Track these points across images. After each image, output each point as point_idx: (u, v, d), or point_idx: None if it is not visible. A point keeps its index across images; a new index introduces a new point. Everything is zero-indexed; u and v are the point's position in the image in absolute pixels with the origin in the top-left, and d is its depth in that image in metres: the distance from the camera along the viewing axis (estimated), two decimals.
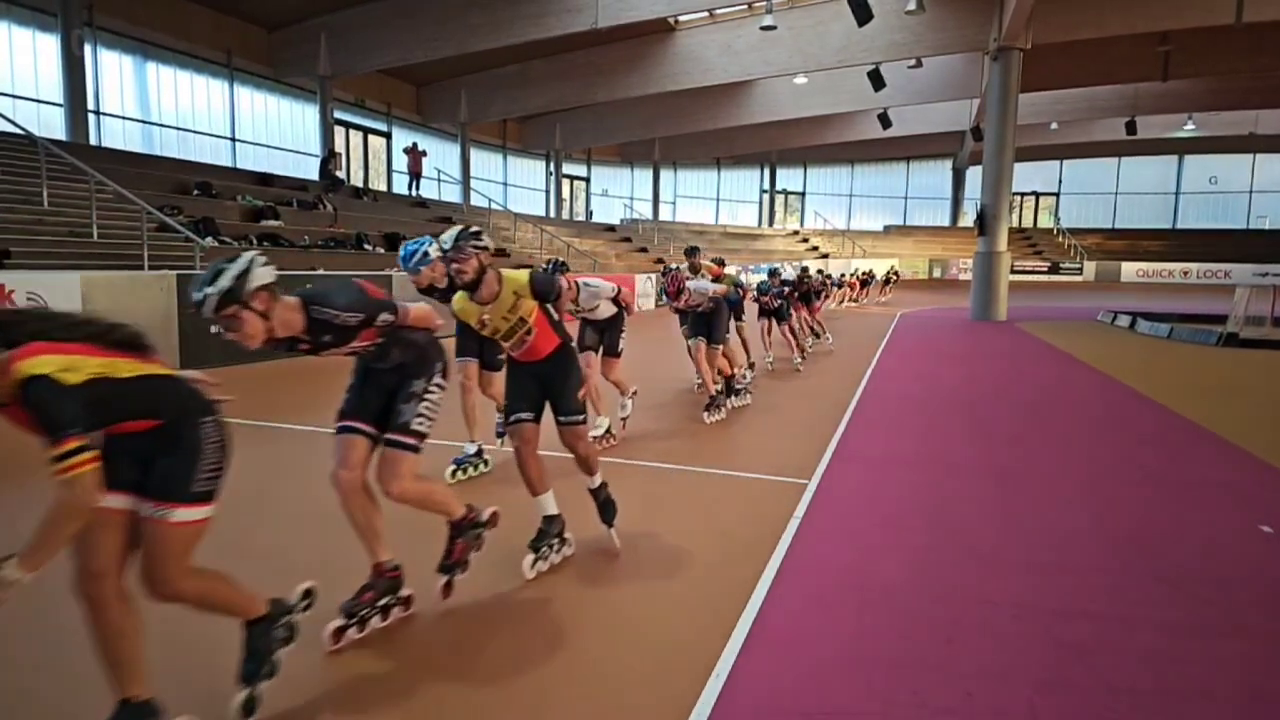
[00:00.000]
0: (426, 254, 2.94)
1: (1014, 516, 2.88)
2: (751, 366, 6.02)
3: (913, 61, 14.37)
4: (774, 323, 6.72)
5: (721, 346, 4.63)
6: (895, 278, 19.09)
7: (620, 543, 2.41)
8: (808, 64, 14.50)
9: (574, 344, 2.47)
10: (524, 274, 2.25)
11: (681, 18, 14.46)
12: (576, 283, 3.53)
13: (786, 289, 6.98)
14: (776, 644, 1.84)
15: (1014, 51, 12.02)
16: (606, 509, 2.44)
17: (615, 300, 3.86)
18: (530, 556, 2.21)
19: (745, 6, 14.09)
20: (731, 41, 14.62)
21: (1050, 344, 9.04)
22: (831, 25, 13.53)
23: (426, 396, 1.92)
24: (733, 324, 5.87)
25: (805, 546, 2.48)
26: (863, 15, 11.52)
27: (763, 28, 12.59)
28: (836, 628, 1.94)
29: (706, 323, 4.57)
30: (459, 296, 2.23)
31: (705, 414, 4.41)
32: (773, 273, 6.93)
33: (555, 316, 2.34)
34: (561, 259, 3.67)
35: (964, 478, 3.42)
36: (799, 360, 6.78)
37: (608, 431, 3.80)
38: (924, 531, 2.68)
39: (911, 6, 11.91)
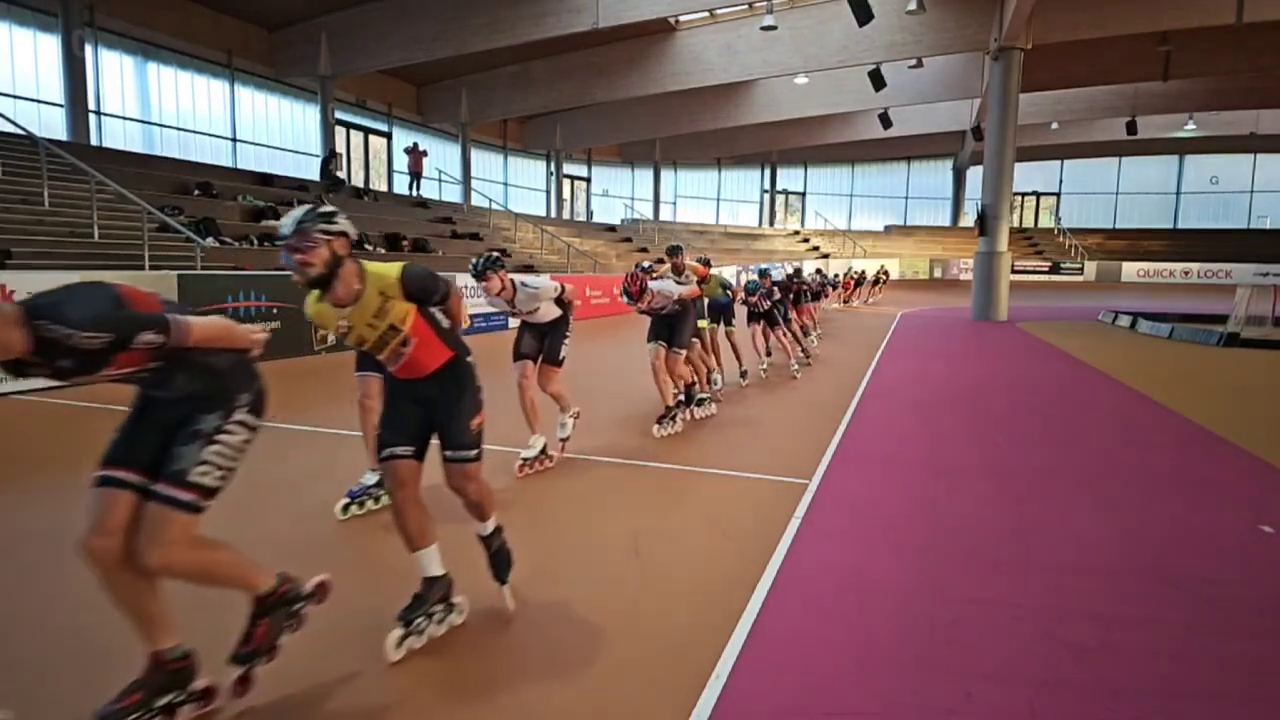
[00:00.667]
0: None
1: (1015, 517, 2.88)
2: (743, 374, 5.77)
3: (913, 61, 14.37)
4: (767, 327, 6.30)
5: (685, 352, 4.24)
6: (884, 278, 18.89)
7: (514, 603, 1.99)
8: (808, 64, 14.49)
9: (470, 357, 1.97)
10: (394, 269, 1.77)
11: (682, 18, 14.46)
12: (512, 281, 3.17)
13: (777, 290, 6.59)
14: (777, 644, 1.84)
15: (1014, 51, 12.02)
16: (499, 562, 2.02)
17: (560, 301, 3.44)
18: (397, 632, 1.74)
19: (746, 6, 14.09)
20: (732, 42, 14.62)
21: (1051, 344, 9.04)
22: (832, 25, 13.53)
23: (219, 438, 1.45)
24: (722, 330, 5.68)
25: (806, 547, 2.48)
26: (863, 15, 11.51)
27: (763, 28, 12.59)
28: (837, 628, 1.94)
29: (669, 326, 4.19)
30: (310, 298, 1.77)
31: (656, 427, 3.99)
32: (763, 273, 6.51)
33: (442, 323, 1.91)
34: (497, 253, 3.33)
35: (964, 478, 3.42)
36: (795, 367, 6.36)
37: (542, 453, 3.36)
38: (924, 532, 2.68)
39: (912, 6, 11.90)
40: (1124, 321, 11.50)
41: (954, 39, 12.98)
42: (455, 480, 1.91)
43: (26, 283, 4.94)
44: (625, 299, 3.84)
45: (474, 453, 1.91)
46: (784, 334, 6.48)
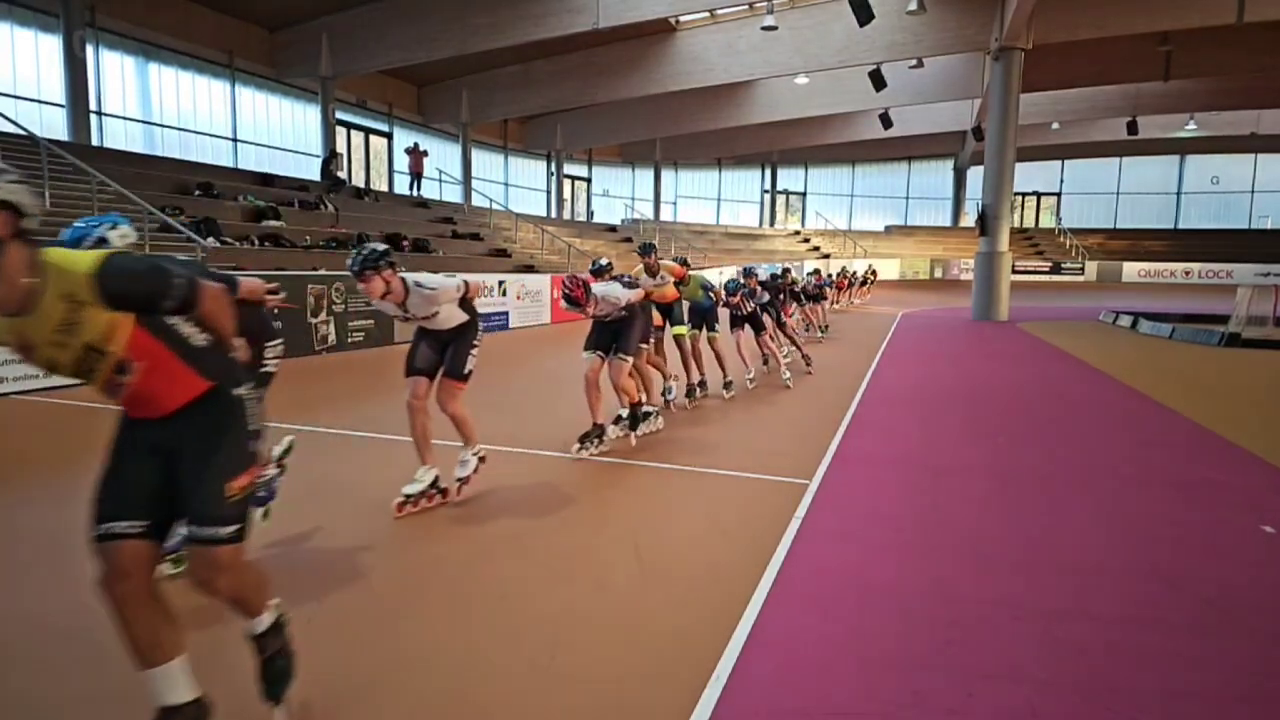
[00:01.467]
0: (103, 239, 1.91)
1: (1015, 517, 2.88)
2: (727, 385, 5.18)
3: (914, 61, 14.36)
4: (752, 333, 5.62)
5: (630, 360, 3.69)
6: (872, 278, 17.97)
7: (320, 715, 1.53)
8: (809, 64, 14.49)
9: (237, 391, 1.38)
10: (85, 260, 1.17)
11: (683, 18, 14.46)
12: (403, 281, 2.61)
13: (764, 291, 5.93)
14: (777, 644, 1.84)
15: (1015, 51, 12.01)
16: (273, 673, 1.46)
17: (465, 304, 2.84)
18: None
19: (746, 7, 14.09)
20: (733, 42, 14.62)
21: (1052, 344, 9.03)
22: (832, 25, 13.53)
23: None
24: (704, 336, 5.11)
25: (806, 547, 2.48)
26: (864, 15, 11.51)
27: (764, 28, 12.59)
28: (837, 628, 1.94)
29: (614, 334, 3.67)
30: None
31: (576, 446, 3.51)
32: (747, 272, 5.82)
33: (193, 340, 1.33)
34: (383, 247, 2.66)
35: (965, 478, 3.42)
36: (787, 376, 5.71)
37: (432, 486, 2.75)
38: (925, 532, 2.68)
39: (912, 7, 11.90)
40: (1125, 322, 11.49)
41: (954, 39, 12.98)
42: (199, 571, 1.32)
43: None
44: (566, 304, 3.45)
45: (228, 531, 1.30)
46: (770, 338, 5.94)
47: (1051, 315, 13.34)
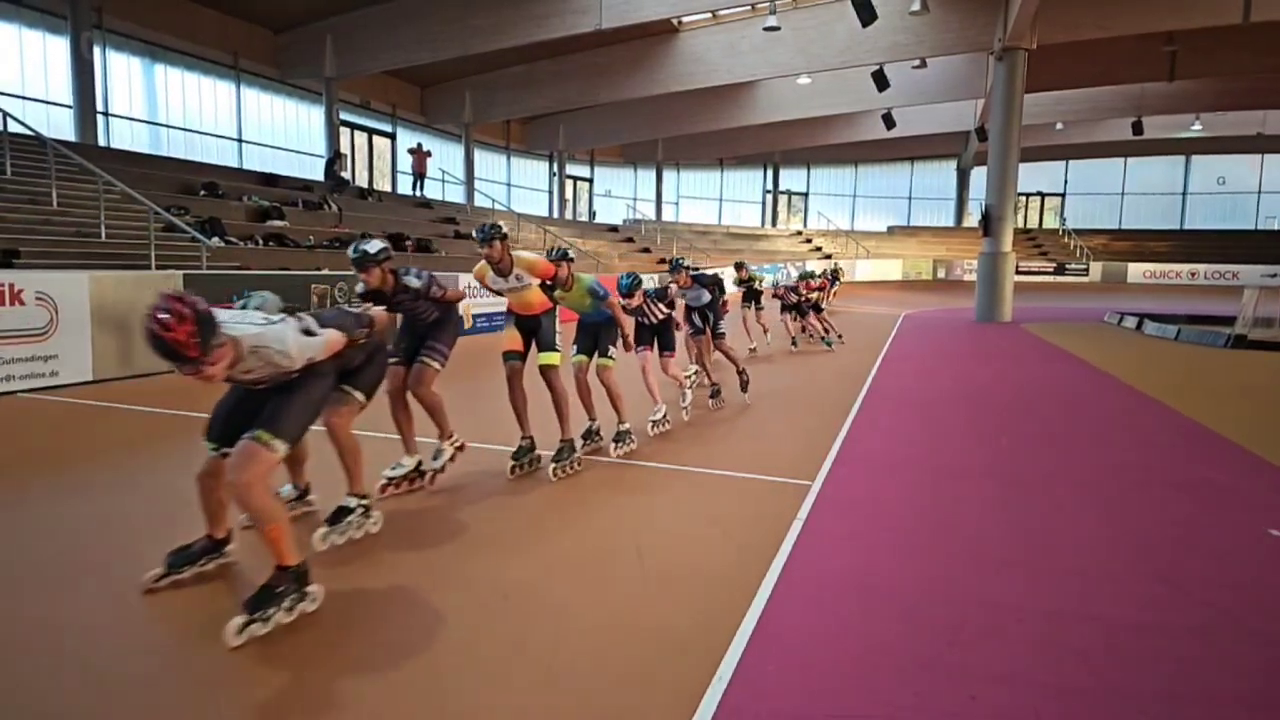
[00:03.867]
0: None
1: (1019, 519, 2.87)
2: (621, 437, 3.66)
3: (917, 62, 14.32)
4: (661, 351, 4.26)
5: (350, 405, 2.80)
6: (838, 277, 13.46)
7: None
8: (811, 65, 14.47)
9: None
10: None
11: (685, 19, 14.46)
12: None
13: (704, 293, 4.96)
14: (779, 646, 1.83)
15: (1019, 52, 11.97)
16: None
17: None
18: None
19: (749, 7, 14.08)
20: (735, 42, 14.61)
21: (1056, 345, 8.99)
22: (835, 26, 13.50)
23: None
24: (593, 365, 3.55)
25: (808, 548, 2.47)
26: (866, 16, 11.49)
27: (766, 28, 12.57)
28: (839, 630, 1.93)
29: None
30: None
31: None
32: (676, 266, 4.81)
33: None
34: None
35: (968, 480, 3.40)
36: (686, 402, 4.48)
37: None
38: (928, 534, 2.67)
39: (915, 7, 11.87)
40: (1130, 323, 11.43)
41: (957, 39, 12.94)
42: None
43: (34, 282, 4.98)
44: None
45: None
46: (705, 355, 4.78)
47: (1055, 316, 13.28)
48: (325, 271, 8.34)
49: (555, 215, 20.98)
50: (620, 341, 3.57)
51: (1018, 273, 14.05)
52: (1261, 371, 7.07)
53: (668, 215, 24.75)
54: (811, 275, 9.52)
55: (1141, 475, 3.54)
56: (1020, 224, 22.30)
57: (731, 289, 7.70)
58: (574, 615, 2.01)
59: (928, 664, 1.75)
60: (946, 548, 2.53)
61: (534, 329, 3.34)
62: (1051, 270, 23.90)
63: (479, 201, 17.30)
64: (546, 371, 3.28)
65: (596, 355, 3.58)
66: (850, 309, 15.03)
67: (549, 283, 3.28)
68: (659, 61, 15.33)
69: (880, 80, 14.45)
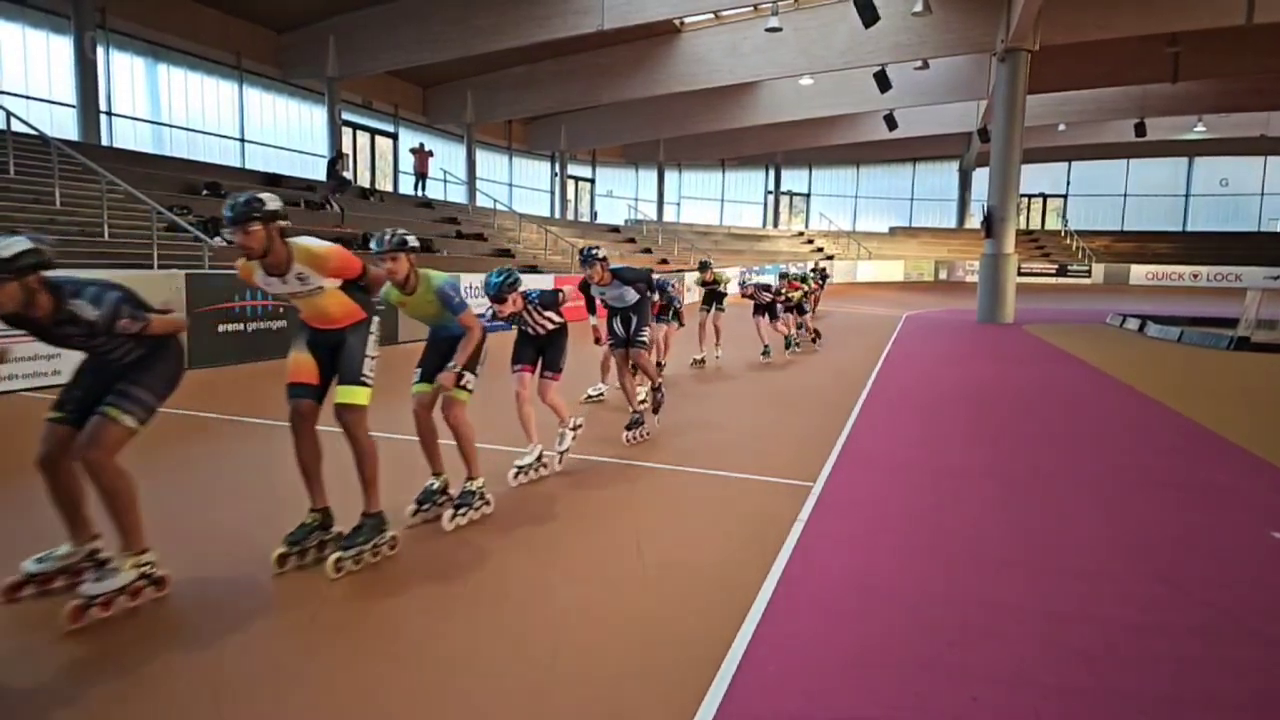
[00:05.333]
0: None
1: (1020, 520, 2.86)
2: (464, 502, 2.72)
3: (919, 63, 14.31)
4: (545, 373, 3.32)
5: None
6: (825, 278, 11.87)
7: None
8: (813, 65, 14.46)
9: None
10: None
11: (687, 19, 14.46)
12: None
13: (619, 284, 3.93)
14: (780, 647, 1.83)
15: (1021, 53, 11.95)
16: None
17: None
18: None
19: (751, 8, 14.08)
20: (737, 43, 14.61)
21: (1058, 347, 8.98)
22: (837, 27, 13.50)
23: None
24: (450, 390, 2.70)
25: (809, 549, 2.47)
26: (869, 17, 11.49)
27: (768, 29, 12.57)
28: (840, 631, 1.93)
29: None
30: None
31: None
32: (587, 258, 3.95)
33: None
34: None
35: (970, 481, 3.40)
36: (634, 434, 3.81)
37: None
38: (928, 534, 2.67)
39: (918, 8, 11.87)
40: (1132, 325, 11.41)
41: (960, 40, 12.93)
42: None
43: None
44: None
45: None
46: (623, 372, 3.93)
47: (1057, 318, 13.26)
48: None
49: (557, 215, 21.00)
50: (479, 367, 2.71)
51: (1020, 274, 14.03)
52: (1264, 373, 7.05)
53: (669, 216, 24.76)
54: (799, 277, 8.91)
55: (1143, 476, 3.53)
56: (1022, 225, 22.23)
57: (691, 295, 7.13)
58: (575, 615, 2.00)
59: (928, 664, 1.75)
60: (947, 548, 2.53)
61: (334, 350, 2.26)
62: (1053, 272, 23.86)
63: (480, 202, 17.32)
64: (344, 415, 2.22)
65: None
66: (851, 310, 15.03)
67: (358, 283, 2.29)
68: (661, 62, 15.34)
69: (882, 81, 14.44)
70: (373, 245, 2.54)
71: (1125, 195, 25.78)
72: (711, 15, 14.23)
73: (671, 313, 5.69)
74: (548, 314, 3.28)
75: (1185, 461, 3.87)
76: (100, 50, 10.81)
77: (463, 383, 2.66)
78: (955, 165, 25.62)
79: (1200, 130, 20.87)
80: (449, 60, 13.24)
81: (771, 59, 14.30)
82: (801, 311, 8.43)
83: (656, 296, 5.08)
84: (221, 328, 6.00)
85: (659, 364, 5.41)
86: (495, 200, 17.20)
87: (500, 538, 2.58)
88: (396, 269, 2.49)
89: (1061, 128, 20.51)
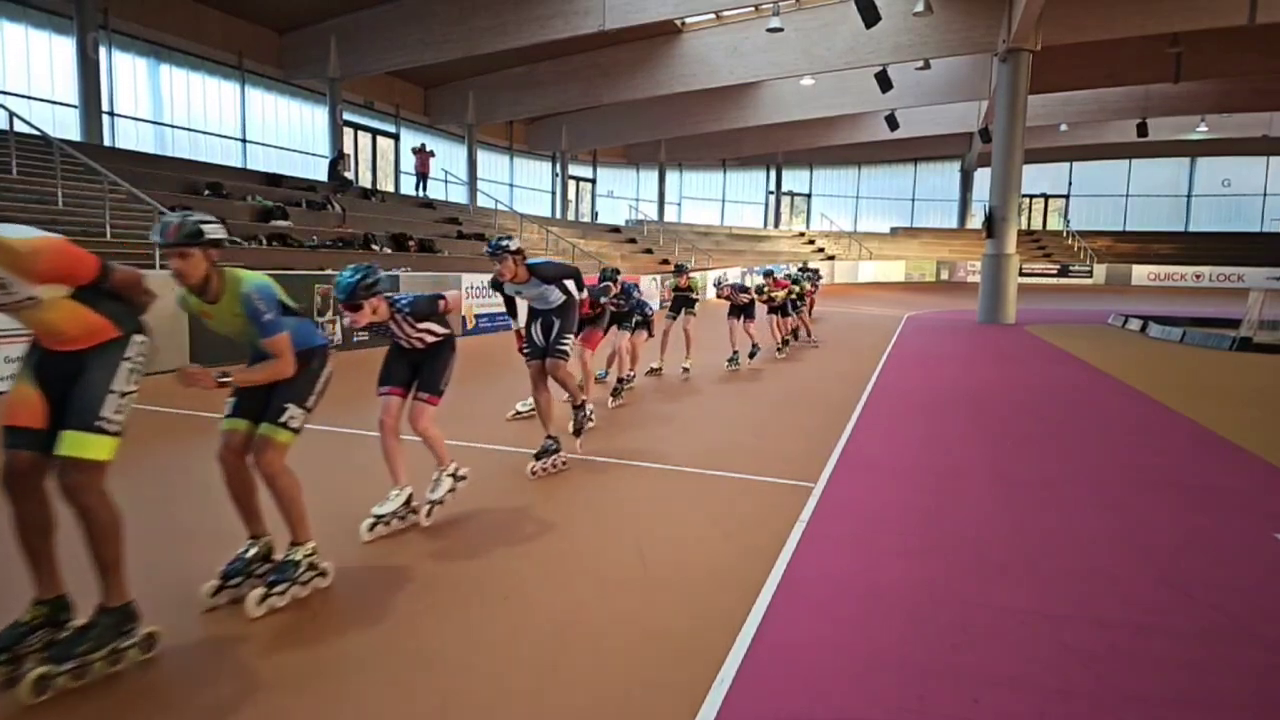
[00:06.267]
0: None
1: (1023, 522, 2.86)
2: (283, 576, 2.20)
3: (920, 63, 14.30)
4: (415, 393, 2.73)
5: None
6: (818, 278, 10.99)
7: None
8: (815, 66, 14.46)
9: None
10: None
11: (688, 20, 14.46)
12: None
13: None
14: (782, 649, 1.83)
15: (1023, 53, 11.94)
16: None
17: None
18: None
19: (752, 9, 14.07)
20: (738, 43, 14.62)
21: (1060, 348, 8.96)
22: (839, 27, 13.50)
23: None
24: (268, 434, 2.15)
25: (811, 550, 2.46)
26: (870, 17, 11.49)
27: (769, 30, 12.57)
28: (842, 633, 1.93)
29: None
30: None
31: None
32: (496, 250, 3.26)
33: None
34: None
35: (971, 483, 3.39)
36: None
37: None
38: (931, 537, 2.66)
39: (919, 8, 11.86)
40: (1134, 325, 11.39)
41: (961, 41, 12.92)
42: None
43: None
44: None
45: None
46: (538, 389, 3.34)
47: (1059, 318, 13.23)
48: (329, 271, 8.36)
49: (558, 216, 21.01)
50: (310, 399, 2.06)
51: (1021, 275, 14.02)
52: (1267, 374, 7.03)
53: (670, 216, 24.76)
54: (789, 277, 8.41)
55: (1145, 478, 3.52)
56: (1024, 226, 22.22)
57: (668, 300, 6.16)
58: (575, 617, 2.00)
59: (930, 667, 1.75)
60: (949, 550, 2.52)
61: (71, 380, 1.65)
62: (1055, 272, 23.83)
63: (481, 202, 17.33)
64: (68, 475, 1.58)
65: (264, 421, 2.00)
66: (852, 310, 15.01)
67: (103, 288, 1.66)
68: (662, 62, 15.34)
69: (884, 81, 14.43)
70: (152, 234, 1.87)
71: (1127, 195, 25.74)
72: (713, 15, 14.23)
73: (635, 320, 5.17)
74: (425, 325, 2.62)
75: (1188, 463, 3.86)
76: (102, 50, 10.83)
77: (284, 419, 1.99)
78: (957, 165, 25.60)
79: (1202, 130, 20.83)
80: (450, 61, 13.26)
81: (773, 59, 14.30)
82: (786, 313, 7.89)
83: (617, 299, 4.68)
84: None
85: (625, 378, 5.06)
86: (496, 200, 17.21)
87: (499, 539, 2.58)
88: (186, 269, 1.79)
89: (1063, 128, 20.48)
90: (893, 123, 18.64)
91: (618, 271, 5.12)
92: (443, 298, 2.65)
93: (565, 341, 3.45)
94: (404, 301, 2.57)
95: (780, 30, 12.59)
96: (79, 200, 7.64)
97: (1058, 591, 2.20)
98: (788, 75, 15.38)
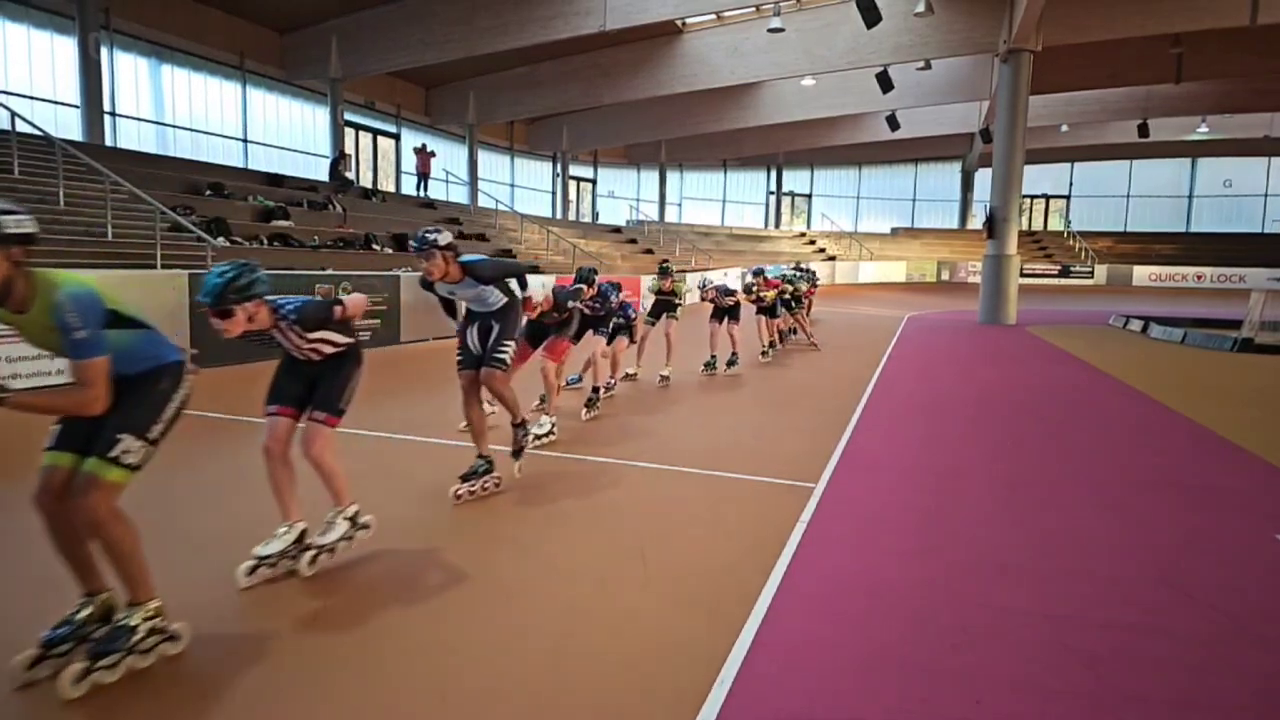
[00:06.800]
0: None
1: (1024, 523, 2.86)
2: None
3: (921, 64, 14.30)
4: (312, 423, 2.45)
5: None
6: (815, 280, 10.60)
7: None
8: (815, 66, 14.46)
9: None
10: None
11: (689, 20, 14.47)
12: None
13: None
14: (783, 649, 1.83)
15: (1024, 53, 11.94)
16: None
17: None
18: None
19: (753, 9, 14.08)
20: (739, 44, 14.62)
21: (1061, 348, 8.95)
22: (840, 27, 13.50)
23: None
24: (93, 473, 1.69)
25: (812, 550, 2.46)
26: (871, 17, 11.49)
27: (770, 30, 12.57)
28: (843, 633, 1.93)
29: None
30: None
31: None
32: (419, 245, 2.83)
33: None
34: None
35: (973, 483, 3.39)
36: (515, 468, 3.14)
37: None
38: (933, 537, 2.66)
39: (920, 9, 11.86)
40: (1135, 326, 11.37)
41: (962, 41, 12.92)
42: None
43: None
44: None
45: None
46: (470, 405, 3.00)
47: (1060, 319, 13.22)
48: (330, 271, 8.37)
49: (558, 216, 21.02)
50: (154, 428, 1.72)
51: (1022, 275, 14.01)
52: (1268, 375, 7.02)
53: (670, 216, 24.77)
54: (783, 277, 8.05)
55: (1146, 479, 3.52)
56: (1025, 226, 22.20)
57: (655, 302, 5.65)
58: (576, 617, 2.00)
59: (931, 668, 1.74)
60: (951, 551, 2.52)
61: None
62: (1056, 273, 23.81)
63: (482, 202, 17.35)
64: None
65: (92, 455, 1.65)
66: (852, 311, 15.00)
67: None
68: (663, 63, 15.35)
69: (885, 82, 14.44)
70: None
71: (1128, 196, 25.72)
72: (713, 16, 14.24)
73: (613, 325, 4.85)
74: (319, 335, 2.21)
75: (1189, 464, 3.86)
76: (104, 51, 10.85)
77: (116, 452, 1.62)
78: (958, 166, 25.59)
79: (1204, 131, 20.82)
80: (451, 61, 13.27)
81: (773, 60, 14.30)
82: (774, 314, 7.44)
83: (588, 303, 4.25)
84: None
85: (603, 386, 4.70)
86: (497, 201, 17.23)
87: (501, 538, 2.58)
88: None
89: (1064, 128, 20.47)
90: (894, 123, 18.64)
91: (595, 271, 4.64)
92: (339, 302, 2.24)
93: (504, 349, 3.01)
94: (289, 307, 2.14)
95: (781, 30, 12.60)
96: (81, 200, 7.65)
97: (1058, 592, 2.19)
98: (789, 76, 15.38)
